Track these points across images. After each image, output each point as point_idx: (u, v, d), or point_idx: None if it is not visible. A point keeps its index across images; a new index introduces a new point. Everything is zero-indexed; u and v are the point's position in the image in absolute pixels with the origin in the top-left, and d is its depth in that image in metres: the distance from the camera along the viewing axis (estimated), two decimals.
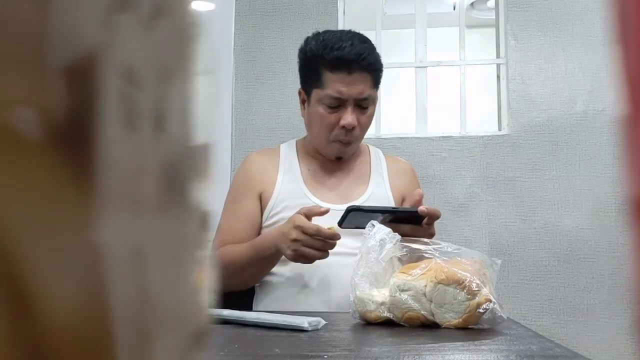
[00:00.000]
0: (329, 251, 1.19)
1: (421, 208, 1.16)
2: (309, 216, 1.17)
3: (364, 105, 1.34)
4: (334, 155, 1.40)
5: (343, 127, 1.32)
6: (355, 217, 1.15)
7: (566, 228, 2.31)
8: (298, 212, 1.19)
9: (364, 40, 1.34)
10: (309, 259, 1.17)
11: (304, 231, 1.15)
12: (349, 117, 1.32)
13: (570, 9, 2.43)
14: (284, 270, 1.32)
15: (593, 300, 2.22)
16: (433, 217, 1.18)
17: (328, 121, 1.34)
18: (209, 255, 0.16)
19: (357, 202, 1.38)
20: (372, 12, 2.64)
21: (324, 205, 1.34)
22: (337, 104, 1.32)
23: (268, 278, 1.35)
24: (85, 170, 0.12)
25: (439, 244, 0.94)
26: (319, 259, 1.17)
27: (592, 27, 2.41)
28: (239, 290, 1.38)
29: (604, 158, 2.34)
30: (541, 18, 2.45)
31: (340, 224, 1.16)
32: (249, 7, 2.56)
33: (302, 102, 1.42)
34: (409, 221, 1.10)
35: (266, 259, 1.27)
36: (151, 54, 0.13)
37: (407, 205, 1.33)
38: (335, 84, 1.31)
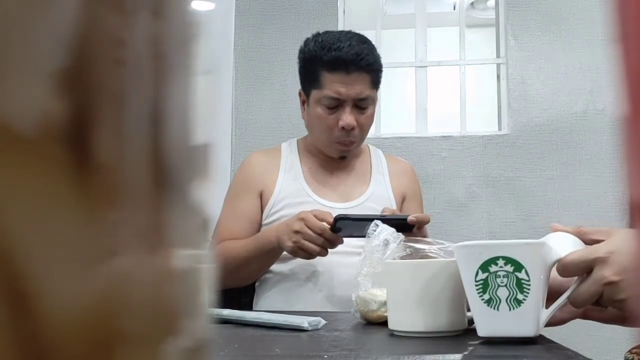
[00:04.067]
0: (331, 250, 1.19)
1: (410, 218, 1.16)
2: (318, 217, 1.17)
3: (363, 105, 1.33)
4: (337, 155, 1.40)
5: (342, 128, 1.32)
6: (346, 225, 1.15)
7: None
8: (309, 211, 1.19)
9: (363, 41, 1.34)
10: (308, 253, 1.17)
11: (308, 225, 1.15)
12: (347, 118, 1.32)
13: (570, 9, 2.43)
14: (284, 268, 1.32)
15: None
16: (422, 222, 1.19)
17: (327, 122, 1.34)
18: (209, 254, 0.16)
19: (358, 201, 1.38)
20: (372, 12, 2.64)
21: (325, 204, 1.34)
22: (336, 105, 1.32)
23: (268, 275, 1.35)
24: (85, 170, 0.12)
25: (442, 244, 0.94)
26: (318, 255, 1.17)
27: (592, 27, 2.41)
28: (239, 287, 1.38)
29: (604, 158, 2.34)
30: (541, 18, 2.45)
31: (331, 231, 1.16)
32: (249, 7, 2.56)
33: (302, 103, 1.42)
34: (400, 227, 1.10)
35: (267, 253, 1.26)
36: (151, 53, 0.13)
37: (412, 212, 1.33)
38: (333, 85, 1.31)
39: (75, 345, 0.11)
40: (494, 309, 0.70)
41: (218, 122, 2.28)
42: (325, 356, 0.67)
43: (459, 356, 0.68)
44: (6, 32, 0.10)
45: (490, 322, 0.71)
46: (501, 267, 0.69)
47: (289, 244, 1.17)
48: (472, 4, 3.83)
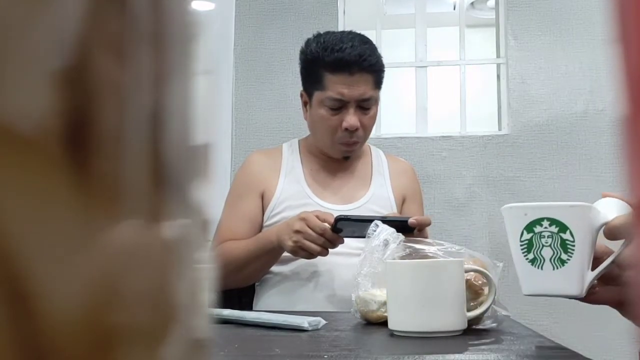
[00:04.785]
0: (331, 251, 1.19)
1: (411, 220, 1.17)
2: (320, 218, 1.17)
3: (366, 106, 1.33)
4: (340, 156, 1.40)
5: (346, 129, 1.32)
6: (347, 226, 1.15)
7: None
8: (311, 212, 1.19)
9: (365, 41, 1.34)
10: (308, 253, 1.17)
11: (309, 225, 1.15)
12: (351, 119, 1.32)
13: (570, 9, 2.43)
14: (284, 269, 1.32)
15: None
16: (423, 224, 1.19)
17: (330, 123, 1.34)
18: (209, 255, 0.16)
19: (359, 203, 1.38)
20: (372, 12, 2.64)
21: (326, 206, 1.34)
22: (339, 106, 1.32)
23: (268, 276, 1.35)
24: (85, 170, 0.12)
25: (442, 244, 0.94)
26: (319, 254, 1.17)
27: (592, 27, 2.41)
28: (240, 287, 1.38)
29: (604, 158, 2.34)
30: (541, 18, 2.45)
31: (332, 231, 1.16)
32: (249, 7, 2.56)
33: (304, 104, 1.42)
34: (400, 229, 1.11)
35: (268, 253, 1.26)
36: (151, 54, 0.13)
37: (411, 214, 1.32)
38: (337, 86, 1.31)
39: (75, 345, 0.11)
40: (538, 268, 0.72)
41: (218, 122, 2.28)
42: (325, 356, 0.67)
43: (459, 356, 0.68)
44: (6, 32, 0.10)
45: (534, 281, 0.72)
46: (546, 227, 0.71)
47: (290, 243, 1.17)
48: (472, 4, 3.83)
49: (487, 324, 0.87)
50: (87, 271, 0.12)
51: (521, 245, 0.73)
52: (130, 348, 0.12)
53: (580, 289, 0.71)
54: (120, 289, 0.12)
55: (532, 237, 0.72)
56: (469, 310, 0.83)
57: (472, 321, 0.85)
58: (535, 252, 0.72)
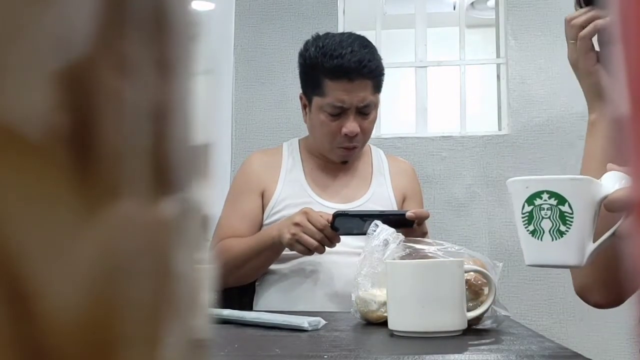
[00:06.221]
0: (331, 249, 1.19)
1: (409, 213, 1.16)
2: (323, 217, 1.17)
3: (366, 111, 1.33)
4: (338, 160, 1.40)
5: (346, 134, 1.32)
6: (345, 223, 1.15)
7: None
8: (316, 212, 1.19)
9: (365, 45, 1.32)
10: (305, 247, 1.17)
11: (309, 219, 1.15)
12: (351, 125, 1.31)
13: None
14: (284, 268, 1.32)
15: None
16: (421, 218, 1.19)
17: (330, 129, 1.33)
18: (209, 254, 0.16)
19: (359, 202, 1.38)
20: (372, 12, 2.64)
21: (326, 205, 1.34)
22: (339, 112, 1.31)
23: (268, 275, 1.35)
24: (87, 171, 0.12)
25: (442, 244, 0.94)
26: (315, 250, 1.17)
27: None
28: (239, 286, 1.38)
29: None
30: (541, 18, 2.45)
31: (331, 228, 1.16)
32: (249, 7, 2.56)
33: (304, 107, 1.42)
34: (400, 223, 1.11)
35: (268, 249, 1.26)
36: (151, 54, 0.13)
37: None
38: (336, 93, 1.30)
39: (75, 345, 0.11)
40: (538, 239, 0.73)
41: (218, 122, 2.28)
42: (325, 356, 0.67)
43: (459, 356, 0.68)
44: (8, 32, 0.10)
45: (535, 251, 0.74)
46: (545, 200, 0.72)
47: (288, 236, 1.17)
48: (472, 4, 3.83)
49: (487, 324, 0.87)
50: (87, 272, 0.12)
51: (522, 217, 0.74)
52: (130, 348, 0.12)
53: (580, 259, 0.72)
54: (120, 290, 0.12)
55: (532, 210, 0.73)
56: (469, 310, 0.83)
57: (472, 321, 0.85)
58: (535, 224, 0.73)
